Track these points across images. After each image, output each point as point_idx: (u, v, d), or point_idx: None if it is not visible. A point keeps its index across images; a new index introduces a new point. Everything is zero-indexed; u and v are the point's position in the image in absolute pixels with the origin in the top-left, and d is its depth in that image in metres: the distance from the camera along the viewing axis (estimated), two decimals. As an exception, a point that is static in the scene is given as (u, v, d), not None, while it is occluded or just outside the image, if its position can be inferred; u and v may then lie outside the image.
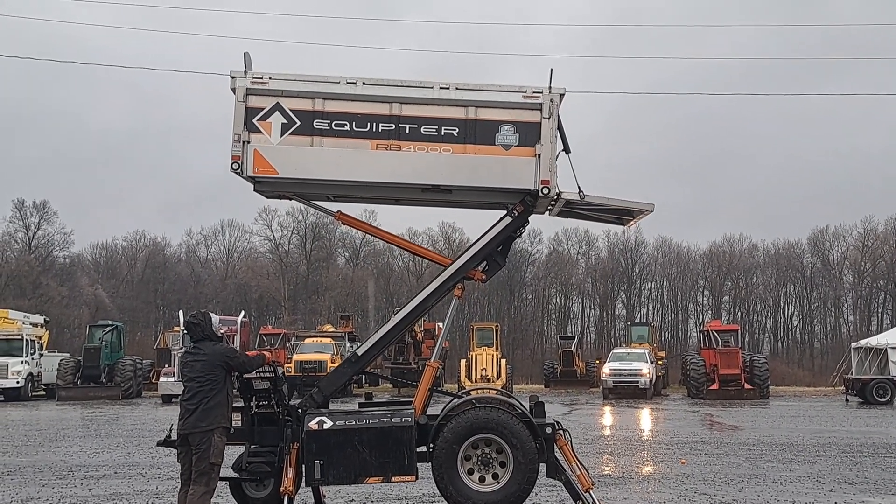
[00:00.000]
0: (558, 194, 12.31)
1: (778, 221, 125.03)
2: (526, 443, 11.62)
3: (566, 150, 12.31)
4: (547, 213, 13.23)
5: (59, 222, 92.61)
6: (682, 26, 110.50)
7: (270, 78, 12.07)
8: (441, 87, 12.12)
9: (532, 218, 12.90)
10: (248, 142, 11.93)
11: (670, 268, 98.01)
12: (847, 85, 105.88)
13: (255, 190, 12.55)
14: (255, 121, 11.97)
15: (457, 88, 12.13)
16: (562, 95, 12.14)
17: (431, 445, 11.81)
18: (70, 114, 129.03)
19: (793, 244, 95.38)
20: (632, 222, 14.27)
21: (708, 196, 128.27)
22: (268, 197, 12.97)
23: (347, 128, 12.01)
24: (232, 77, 12.06)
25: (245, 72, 12.05)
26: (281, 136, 11.98)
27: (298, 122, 11.99)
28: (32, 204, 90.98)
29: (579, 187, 12.35)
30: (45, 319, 55.94)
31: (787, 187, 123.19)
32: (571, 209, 13.23)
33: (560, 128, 12.19)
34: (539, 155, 11.98)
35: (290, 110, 12.00)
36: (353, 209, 13.02)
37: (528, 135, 12.03)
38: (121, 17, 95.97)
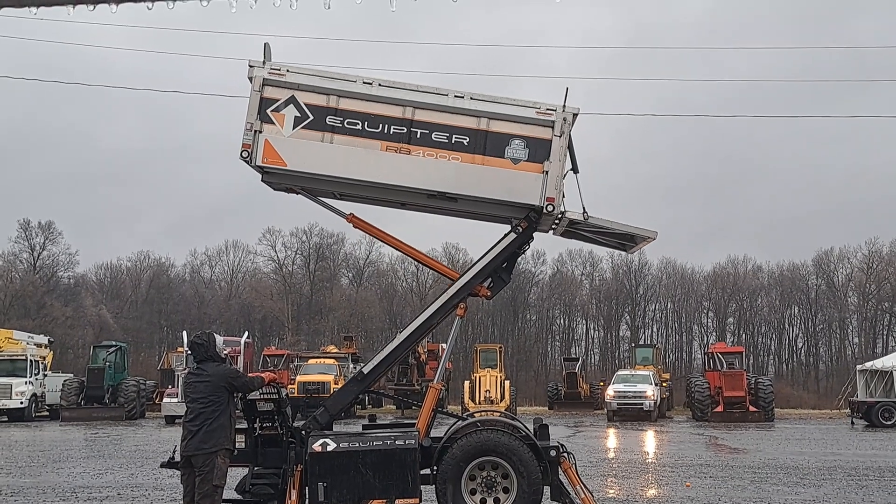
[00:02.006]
0: (562, 213, 12.33)
1: (782, 243, 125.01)
2: (530, 466, 11.60)
3: (574, 169, 12.33)
4: (551, 231, 13.25)
5: (65, 243, 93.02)
6: (696, 48, 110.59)
7: (288, 70, 12.17)
8: (456, 96, 12.18)
9: (536, 238, 12.92)
10: (260, 131, 12.03)
11: (675, 289, 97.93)
12: (860, 107, 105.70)
13: (262, 180, 12.62)
14: (268, 111, 12.06)
15: (471, 98, 12.19)
16: (575, 115, 12.17)
17: (435, 468, 11.79)
18: (78, 134, 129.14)
19: (797, 266, 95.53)
20: (634, 248, 14.29)
21: (714, 217, 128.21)
22: (274, 189, 12.97)
23: (359, 127, 12.08)
24: (250, 66, 12.15)
25: (263, 62, 12.15)
26: (293, 128, 12.06)
27: (311, 117, 12.07)
28: (38, 224, 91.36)
29: (584, 208, 12.37)
30: (49, 340, 55.90)
31: (793, 208, 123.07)
32: (575, 230, 13.24)
33: (570, 147, 12.21)
34: (547, 172, 12.00)
35: (305, 104, 12.08)
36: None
37: (538, 151, 12.06)
38: (135, 38, 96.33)
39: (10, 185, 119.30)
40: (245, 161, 12.06)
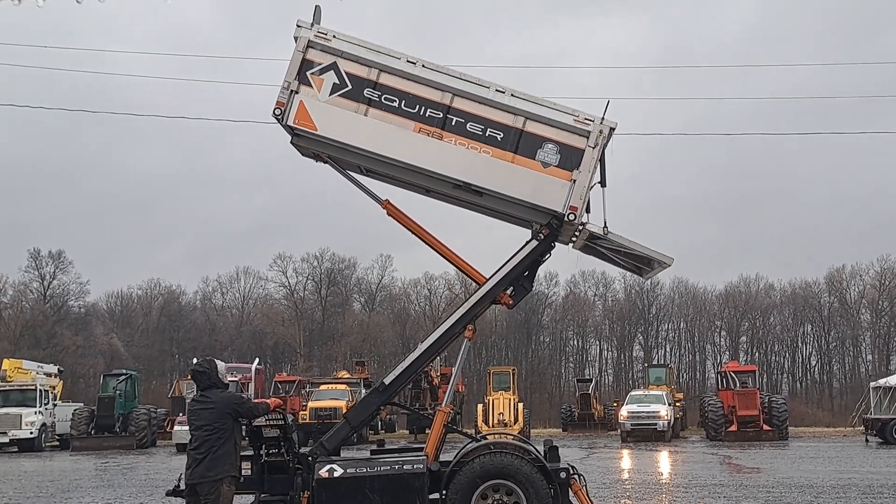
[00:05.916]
0: (583, 225, 12.30)
1: (794, 261, 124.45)
2: (540, 490, 11.49)
3: (602, 183, 12.30)
4: (571, 244, 13.21)
5: (75, 272, 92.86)
6: (724, 66, 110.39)
7: (334, 36, 12.26)
8: (497, 90, 12.24)
9: (548, 259, 12.86)
10: (297, 92, 12.14)
11: (687, 309, 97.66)
12: (888, 124, 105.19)
13: (291, 142, 12.71)
14: (308, 73, 12.17)
15: (512, 95, 12.22)
16: (612, 129, 12.21)
17: (444, 492, 11.66)
18: (89, 166, 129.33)
19: (810, 283, 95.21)
20: (650, 273, 14.20)
21: (726, 236, 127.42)
22: (302, 154, 13.00)
23: (396, 104, 12.14)
24: (298, 26, 12.23)
25: (312, 24, 12.21)
26: (329, 94, 12.15)
27: (350, 87, 12.15)
28: (48, 254, 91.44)
29: (605, 223, 12.35)
30: (59, 369, 55.79)
31: (804, 226, 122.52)
32: (594, 245, 13.19)
33: (602, 160, 12.20)
34: (575, 181, 12.01)
35: (346, 73, 12.18)
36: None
37: (570, 158, 12.08)
38: (158, 66, 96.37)
39: (23, 215, 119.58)
40: (276, 119, 12.17)
